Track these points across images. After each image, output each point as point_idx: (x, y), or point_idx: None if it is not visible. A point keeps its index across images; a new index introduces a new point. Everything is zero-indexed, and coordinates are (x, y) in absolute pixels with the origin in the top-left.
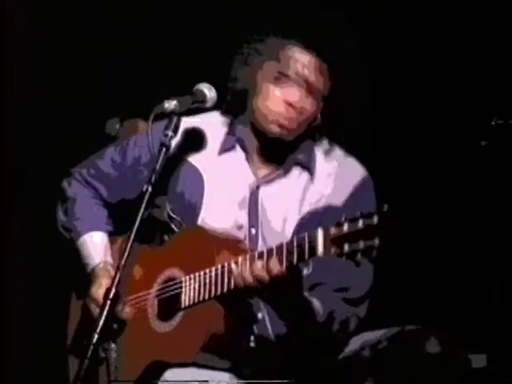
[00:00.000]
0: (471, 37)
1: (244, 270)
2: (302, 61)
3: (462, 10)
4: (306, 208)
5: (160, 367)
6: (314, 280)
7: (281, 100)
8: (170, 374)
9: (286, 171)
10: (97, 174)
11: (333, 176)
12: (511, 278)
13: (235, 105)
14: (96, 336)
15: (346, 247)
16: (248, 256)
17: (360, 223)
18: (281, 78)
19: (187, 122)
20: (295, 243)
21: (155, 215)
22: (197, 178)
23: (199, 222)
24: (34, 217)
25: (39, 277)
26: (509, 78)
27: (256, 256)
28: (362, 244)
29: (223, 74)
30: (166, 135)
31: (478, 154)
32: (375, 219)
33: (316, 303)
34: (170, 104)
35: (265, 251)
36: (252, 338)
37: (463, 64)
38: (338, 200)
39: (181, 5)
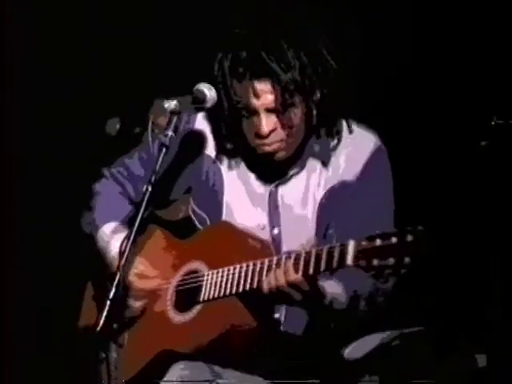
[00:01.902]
0: (471, 37)
1: (275, 273)
2: (257, 88)
3: (463, 10)
4: (322, 192)
5: (169, 358)
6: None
7: (254, 133)
8: (177, 367)
9: (302, 166)
10: (125, 172)
11: (345, 152)
12: (511, 278)
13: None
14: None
15: (376, 262)
16: (275, 259)
17: (393, 239)
18: (246, 112)
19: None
20: (325, 252)
21: (167, 217)
22: (218, 175)
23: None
24: (34, 216)
25: (39, 277)
26: (509, 78)
27: (283, 259)
28: (391, 261)
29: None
30: (166, 135)
31: (478, 154)
32: (409, 237)
33: (338, 289)
34: (170, 104)
35: (292, 256)
36: (268, 336)
37: (463, 64)
38: (352, 174)
39: (180, 5)
